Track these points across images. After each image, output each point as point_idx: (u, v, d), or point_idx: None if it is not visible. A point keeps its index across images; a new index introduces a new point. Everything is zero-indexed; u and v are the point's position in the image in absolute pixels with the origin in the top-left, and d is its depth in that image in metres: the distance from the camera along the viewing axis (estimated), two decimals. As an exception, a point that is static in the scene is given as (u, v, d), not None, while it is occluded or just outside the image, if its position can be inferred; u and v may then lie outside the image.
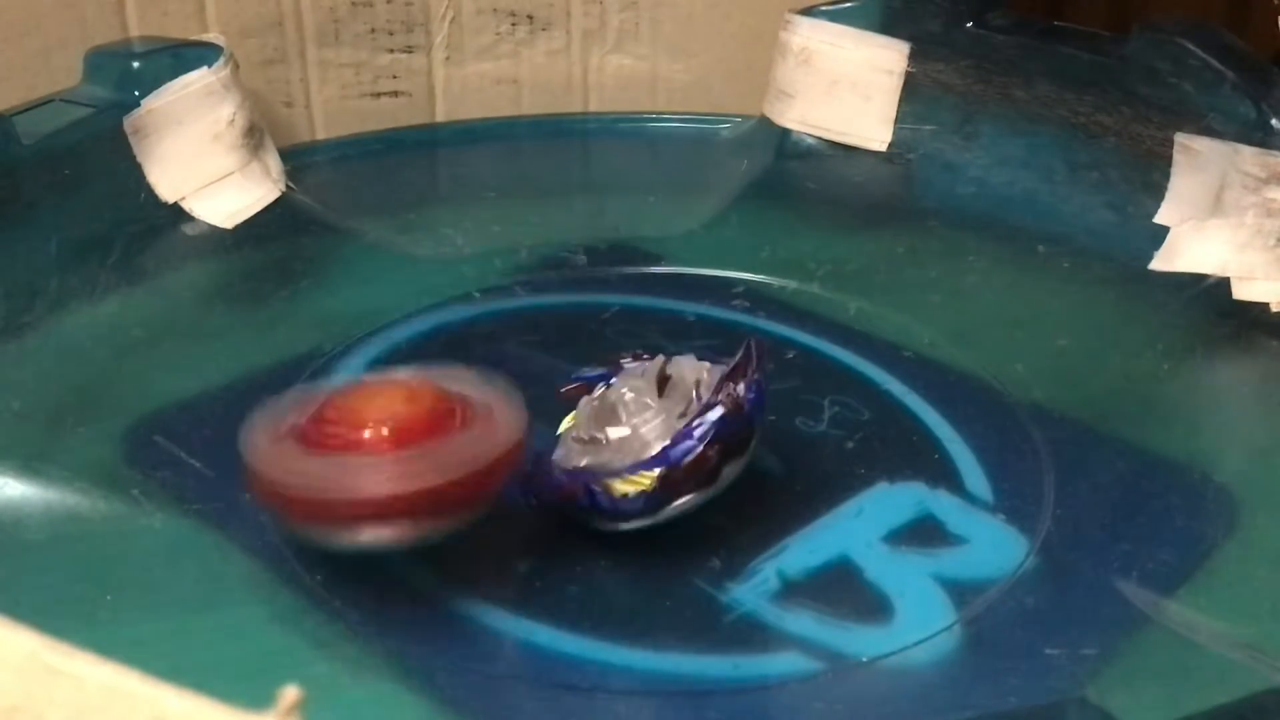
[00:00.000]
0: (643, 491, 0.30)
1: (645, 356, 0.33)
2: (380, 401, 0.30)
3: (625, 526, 0.31)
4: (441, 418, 0.30)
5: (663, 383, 0.32)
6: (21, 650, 0.13)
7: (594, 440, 0.32)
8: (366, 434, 0.29)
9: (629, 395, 0.32)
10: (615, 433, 0.32)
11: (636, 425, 0.32)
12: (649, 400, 0.32)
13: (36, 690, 0.13)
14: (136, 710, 0.13)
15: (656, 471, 0.30)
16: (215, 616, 0.31)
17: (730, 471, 0.31)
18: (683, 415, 0.31)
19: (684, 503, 0.31)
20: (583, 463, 0.31)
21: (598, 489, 0.31)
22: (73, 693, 0.13)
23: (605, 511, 0.31)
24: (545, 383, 0.39)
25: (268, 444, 0.30)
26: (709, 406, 0.31)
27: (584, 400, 0.33)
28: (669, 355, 0.33)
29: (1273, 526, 0.33)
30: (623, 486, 0.30)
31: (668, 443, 0.31)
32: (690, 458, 0.30)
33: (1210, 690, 0.27)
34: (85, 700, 0.13)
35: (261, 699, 0.14)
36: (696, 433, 0.30)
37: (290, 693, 0.13)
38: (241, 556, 0.32)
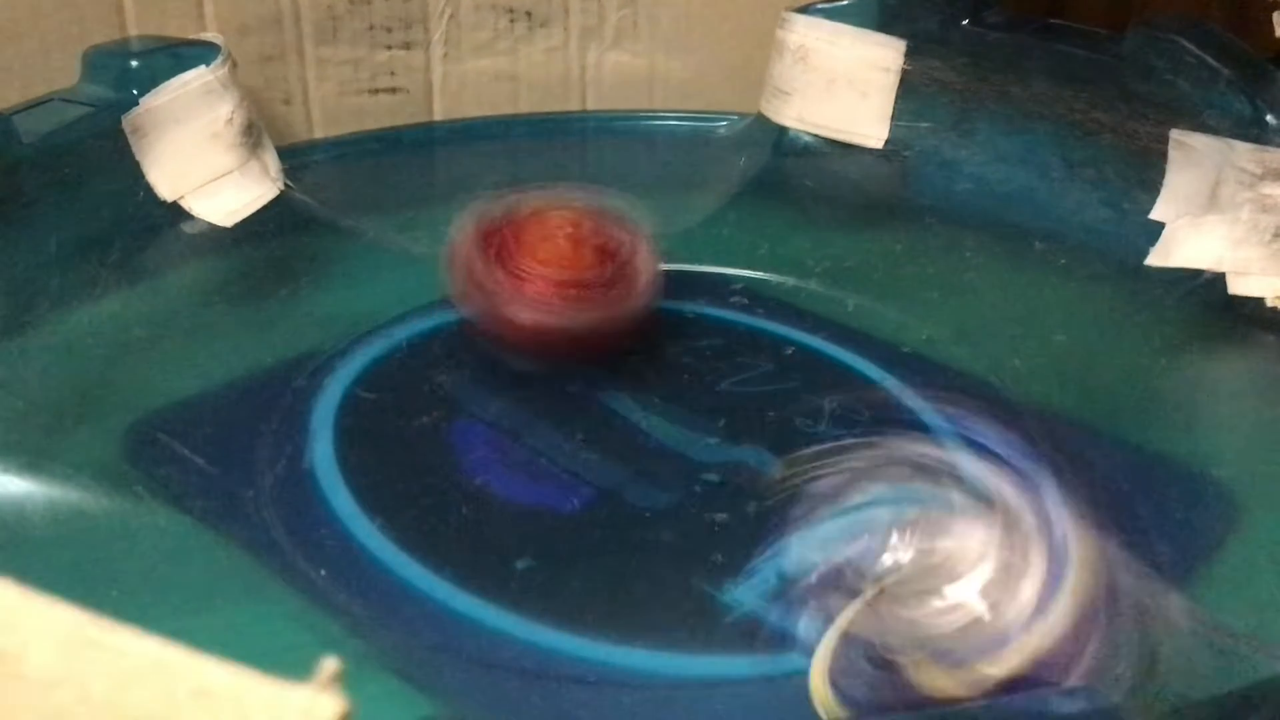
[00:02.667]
0: None
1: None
2: (552, 243, 0.38)
3: None
4: (593, 265, 0.38)
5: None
6: (64, 624, 0.13)
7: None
8: (533, 269, 0.37)
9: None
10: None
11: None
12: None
13: (80, 664, 0.13)
14: (180, 681, 0.13)
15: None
16: (217, 613, 0.31)
17: None
18: None
19: None
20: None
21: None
22: (116, 665, 0.13)
23: None
24: (544, 382, 0.39)
25: (466, 241, 0.38)
26: None
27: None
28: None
29: (1271, 518, 0.33)
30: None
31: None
32: None
33: (1211, 680, 0.27)
34: (128, 672, 0.13)
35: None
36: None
37: (330, 664, 0.13)
38: (243, 553, 0.32)
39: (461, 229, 0.39)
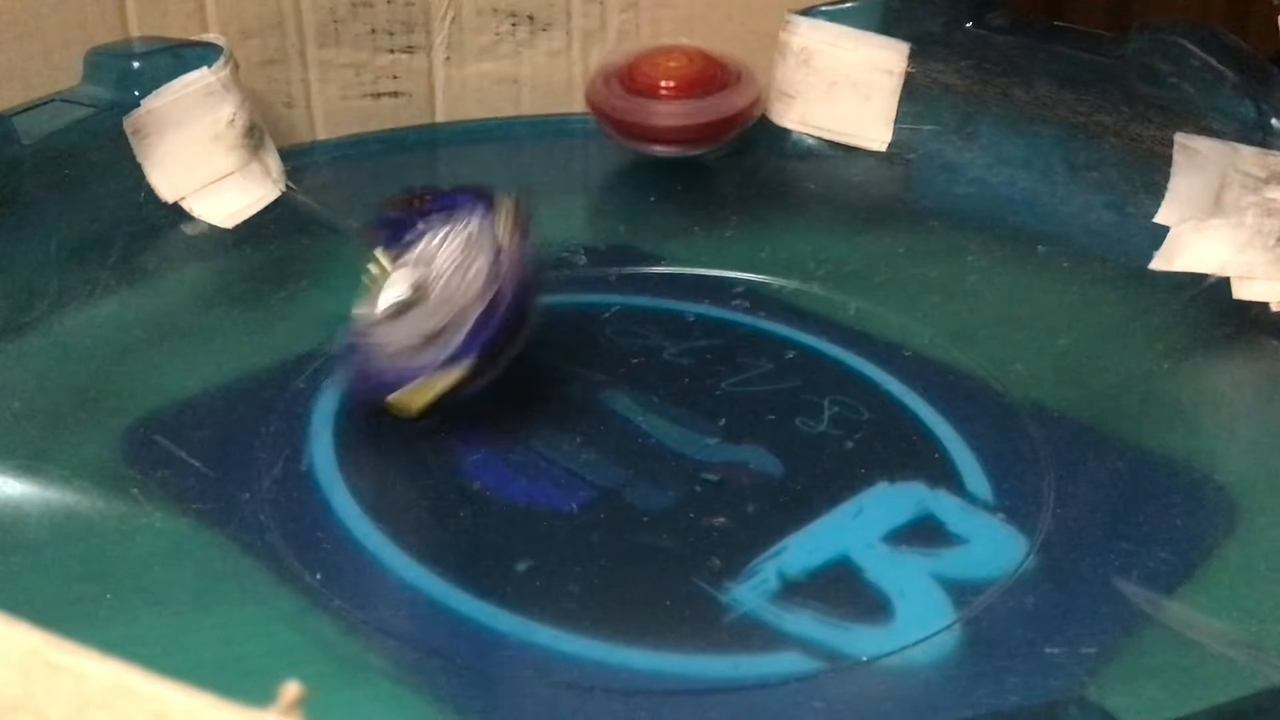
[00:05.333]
0: None
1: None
2: (671, 64, 0.51)
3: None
4: (709, 79, 0.51)
5: None
6: (23, 646, 0.13)
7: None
8: (660, 85, 0.51)
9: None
10: None
11: None
12: None
13: (38, 687, 0.13)
14: (138, 707, 0.13)
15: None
16: (214, 616, 0.31)
17: None
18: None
19: None
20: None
21: None
22: (74, 689, 0.13)
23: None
24: (545, 382, 0.39)
25: (600, 82, 0.52)
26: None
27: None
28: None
29: (1272, 525, 0.33)
30: None
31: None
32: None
33: (1210, 689, 0.27)
34: (87, 697, 0.13)
35: (261, 698, 0.14)
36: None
37: (291, 689, 0.13)
38: (240, 556, 0.32)
39: (592, 78, 0.52)
